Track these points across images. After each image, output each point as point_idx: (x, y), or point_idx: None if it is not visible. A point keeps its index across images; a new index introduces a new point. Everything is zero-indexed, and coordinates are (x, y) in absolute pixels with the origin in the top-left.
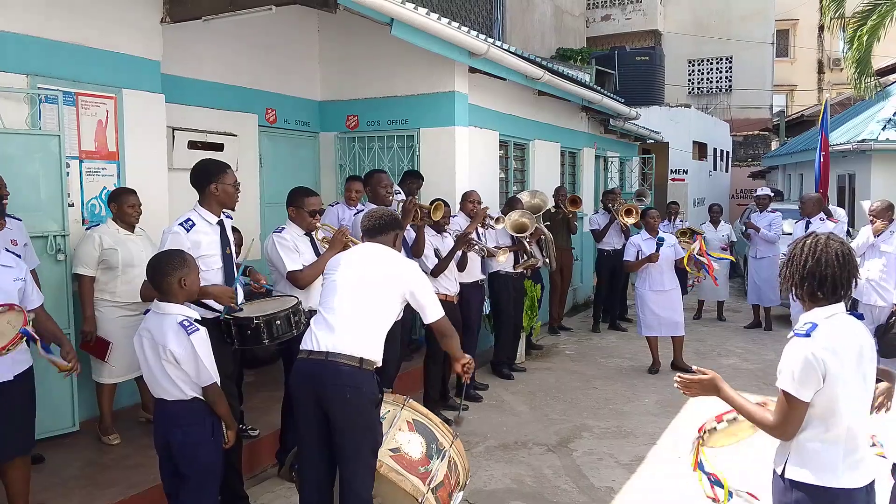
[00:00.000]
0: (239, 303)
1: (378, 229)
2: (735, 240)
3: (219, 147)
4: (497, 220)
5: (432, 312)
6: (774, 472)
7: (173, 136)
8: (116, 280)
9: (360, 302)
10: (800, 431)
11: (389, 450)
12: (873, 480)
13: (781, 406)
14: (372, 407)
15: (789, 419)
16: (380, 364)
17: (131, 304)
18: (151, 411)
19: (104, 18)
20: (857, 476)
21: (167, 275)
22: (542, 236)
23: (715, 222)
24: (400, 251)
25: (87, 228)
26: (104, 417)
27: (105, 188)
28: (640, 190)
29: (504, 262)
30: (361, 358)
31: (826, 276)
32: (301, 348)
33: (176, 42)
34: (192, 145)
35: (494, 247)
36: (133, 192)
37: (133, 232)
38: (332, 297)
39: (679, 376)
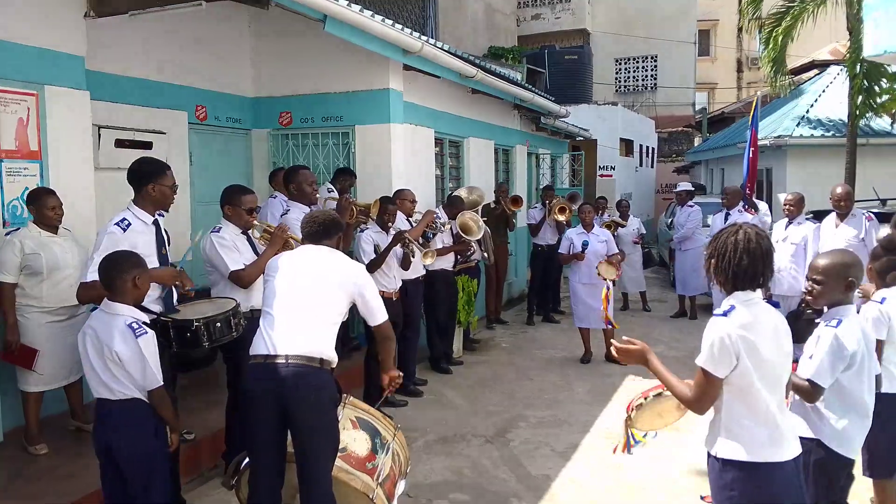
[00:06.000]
0: (174, 304)
1: (321, 234)
2: (644, 232)
3: (147, 145)
4: (444, 224)
5: (380, 315)
6: (708, 454)
7: (99, 135)
8: (42, 285)
9: (314, 304)
10: (725, 412)
11: (337, 451)
12: (800, 454)
13: (699, 381)
14: (334, 407)
15: (705, 394)
16: (335, 364)
17: (58, 310)
18: (81, 419)
19: (24, 12)
20: (782, 450)
21: (123, 272)
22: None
23: (624, 216)
24: (343, 252)
25: (7, 234)
26: (30, 426)
27: (27, 188)
28: (572, 193)
29: (431, 264)
30: (321, 359)
31: (756, 272)
32: (255, 353)
33: (101, 37)
34: (120, 144)
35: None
36: (52, 192)
37: (56, 233)
38: (284, 299)
39: (614, 344)
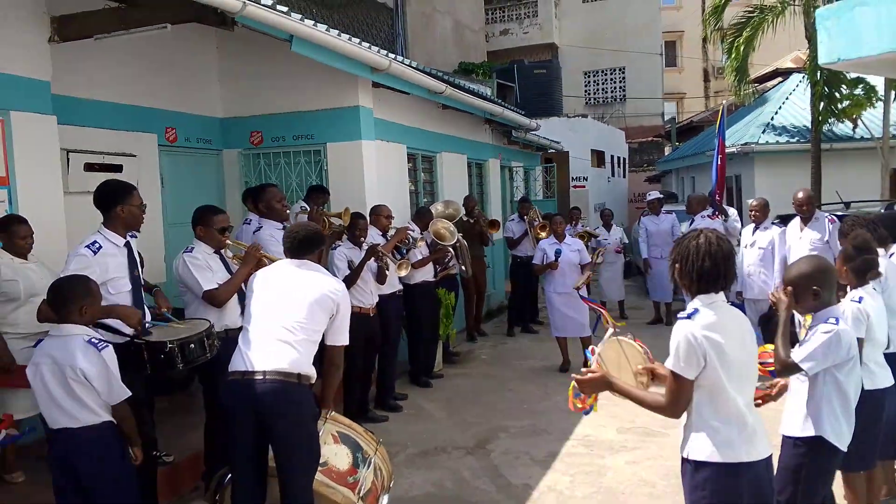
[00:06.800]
0: (147, 325)
1: (303, 248)
2: (627, 241)
3: (117, 168)
4: (418, 240)
5: (343, 337)
6: (682, 458)
7: (68, 159)
8: (18, 311)
9: (292, 320)
10: (695, 414)
11: (318, 464)
12: (770, 455)
13: (670, 385)
14: (313, 421)
15: (677, 397)
16: (314, 379)
17: (35, 335)
18: None
19: None
20: (752, 450)
21: (70, 302)
22: (458, 244)
23: (607, 226)
24: (325, 265)
25: None
26: (7, 454)
27: None
28: (546, 214)
29: (407, 276)
30: (299, 374)
31: (719, 274)
32: (233, 369)
33: (67, 61)
34: (89, 167)
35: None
36: (24, 220)
37: (27, 260)
38: (262, 315)
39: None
